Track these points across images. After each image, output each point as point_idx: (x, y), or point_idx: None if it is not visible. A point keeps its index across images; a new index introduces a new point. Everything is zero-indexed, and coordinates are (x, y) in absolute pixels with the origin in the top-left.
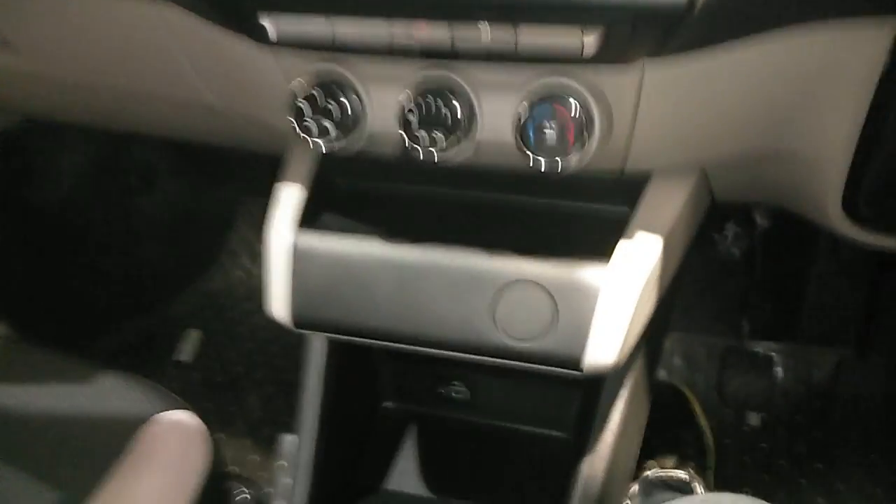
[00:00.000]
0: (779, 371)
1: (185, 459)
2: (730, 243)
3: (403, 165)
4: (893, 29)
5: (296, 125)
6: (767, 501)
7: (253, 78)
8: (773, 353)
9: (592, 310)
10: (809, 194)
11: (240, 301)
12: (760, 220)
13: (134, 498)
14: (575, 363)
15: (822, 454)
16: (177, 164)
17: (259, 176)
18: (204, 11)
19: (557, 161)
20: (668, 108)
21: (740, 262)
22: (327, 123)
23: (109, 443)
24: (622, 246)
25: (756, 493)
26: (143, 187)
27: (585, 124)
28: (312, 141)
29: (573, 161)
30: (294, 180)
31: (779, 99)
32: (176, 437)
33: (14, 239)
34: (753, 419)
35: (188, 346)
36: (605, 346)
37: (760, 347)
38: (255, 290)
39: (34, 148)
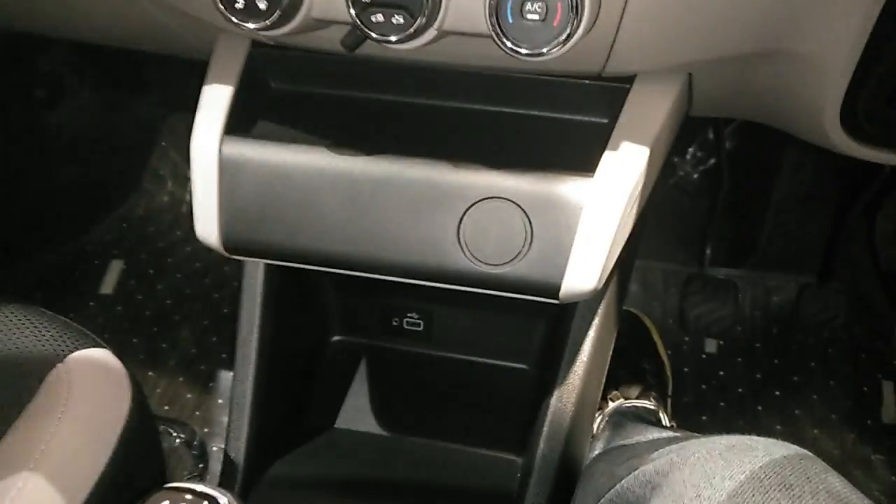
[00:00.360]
0: (739, 298)
1: (103, 403)
2: (690, 166)
3: (351, 63)
4: None
5: (223, 5)
6: (725, 429)
7: None
8: (735, 280)
9: (573, 229)
10: (804, 102)
11: (166, 229)
12: (728, 141)
13: (47, 448)
14: (552, 290)
15: (780, 381)
16: (88, 74)
17: (182, 88)
18: None
19: (542, 42)
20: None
21: (701, 188)
22: (261, 2)
23: (16, 387)
24: (607, 157)
25: (714, 420)
26: (52, 101)
27: (575, 4)
28: (242, 25)
29: (557, 49)
30: (220, 79)
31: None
32: (92, 378)
33: None
34: (711, 346)
35: (110, 278)
36: (585, 270)
37: (721, 273)
38: (182, 217)
39: None
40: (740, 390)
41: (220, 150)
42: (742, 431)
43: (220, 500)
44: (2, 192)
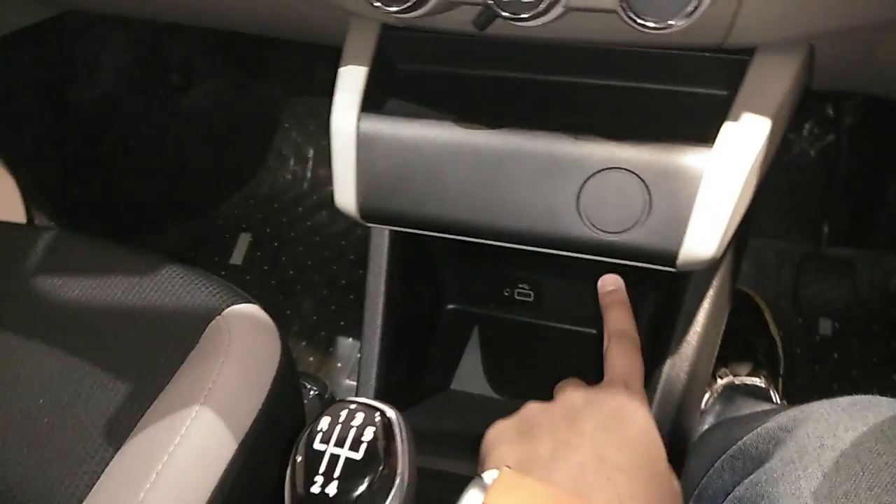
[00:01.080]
0: (856, 278)
1: (259, 351)
2: (807, 143)
3: (474, 42)
4: None
5: None
6: None
7: None
8: (852, 260)
9: (693, 198)
10: None
11: (288, 205)
12: (847, 117)
13: (211, 390)
14: (669, 258)
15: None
16: (218, 59)
17: (304, 73)
18: None
19: (668, 20)
20: None
21: (818, 165)
22: None
23: (182, 335)
24: (727, 128)
25: None
26: (184, 85)
27: None
28: (384, 8)
29: (683, 20)
30: (355, 61)
31: None
32: (249, 329)
33: (55, 137)
34: (825, 328)
35: (239, 250)
36: (704, 239)
37: (838, 254)
38: (303, 194)
39: (72, 42)
40: (855, 373)
41: (358, 128)
42: None
43: (388, 413)
44: (140, 168)
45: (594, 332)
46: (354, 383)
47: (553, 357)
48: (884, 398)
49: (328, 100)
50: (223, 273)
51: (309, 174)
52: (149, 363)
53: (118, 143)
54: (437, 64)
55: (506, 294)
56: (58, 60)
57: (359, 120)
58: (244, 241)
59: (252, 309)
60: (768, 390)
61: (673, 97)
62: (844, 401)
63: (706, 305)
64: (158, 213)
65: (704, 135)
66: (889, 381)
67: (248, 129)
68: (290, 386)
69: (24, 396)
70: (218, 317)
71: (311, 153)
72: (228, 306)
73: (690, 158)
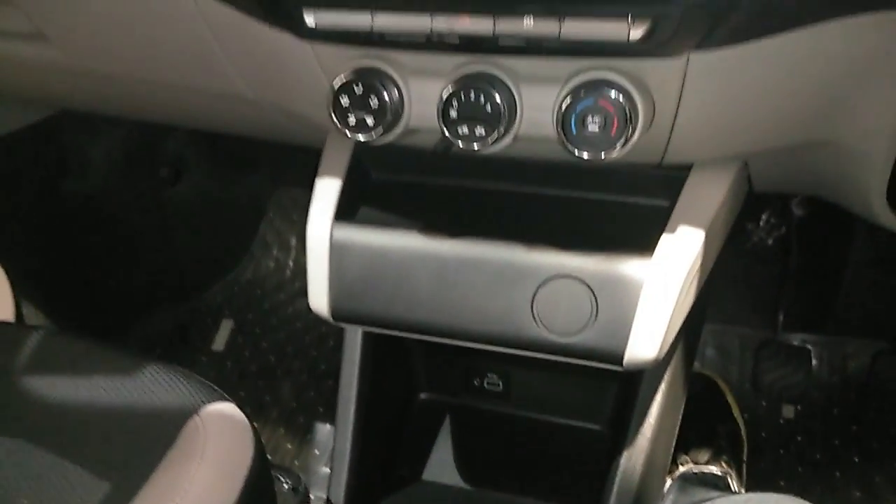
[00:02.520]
0: (814, 363)
1: (233, 451)
2: (764, 233)
3: (441, 157)
4: None
5: (336, 119)
6: (803, 495)
7: (291, 70)
8: (809, 345)
9: (634, 304)
10: (853, 185)
11: (271, 291)
12: (796, 210)
13: (185, 490)
14: (616, 358)
15: (858, 447)
16: (207, 153)
17: (289, 165)
18: (244, 6)
19: (601, 149)
20: (711, 99)
21: (775, 252)
22: (367, 117)
23: (158, 435)
24: (664, 240)
25: (791, 486)
26: (175, 177)
27: (629, 116)
28: (352, 135)
29: (616, 149)
30: (331, 173)
31: (824, 89)
32: (222, 429)
33: (49, 228)
34: (788, 411)
35: (221, 336)
36: (646, 341)
37: (796, 339)
38: (286, 281)
39: (68, 138)
40: (818, 456)
41: (331, 236)
42: (819, 498)
43: None
44: (128, 257)
45: (562, 421)
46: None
47: (523, 446)
48: (774, 496)
49: (311, 191)
50: (205, 360)
51: (291, 262)
52: (129, 461)
53: (107, 233)
54: (406, 173)
55: (475, 383)
56: (52, 155)
57: (332, 228)
58: (226, 326)
59: (227, 407)
60: (725, 478)
61: (618, 207)
62: (741, 499)
63: (659, 398)
64: (144, 300)
65: (645, 244)
66: (851, 464)
67: (233, 218)
68: (263, 483)
69: (6, 493)
70: (195, 415)
71: (293, 241)
72: (204, 405)
73: (632, 268)
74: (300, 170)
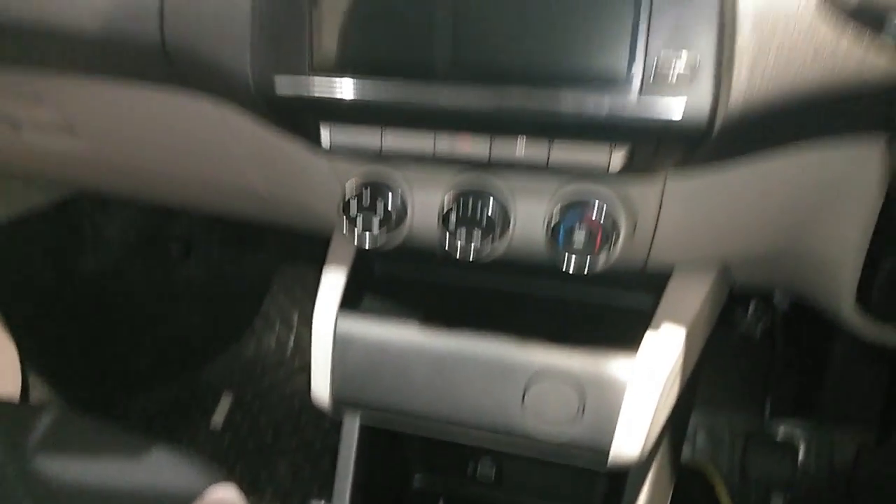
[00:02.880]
0: (801, 453)
1: None
2: (751, 323)
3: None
4: (885, 143)
5: (345, 221)
6: None
7: (304, 173)
8: (796, 435)
9: (619, 403)
10: (824, 292)
11: (271, 368)
12: (780, 303)
13: None
14: (601, 455)
15: None
16: (214, 232)
17: (294, 244)
18: (266, 117)
19: (585, 261)
20: (688, 213)
21: (762, 341)
22: (373, 220)
23: None
24: (647, 339)
25: None
26: (184, 256)
27: (612, 228)
28: (359, 236)
29: (600, 261)
30: (337, 265)
31: (793, 207)
32: None
33: (60, 304)
34: (777, 500)
35: (220, 412)
36: (631, 439)
37: (783, 427)
38: (286, 358)
39: (83, 218)
40: None
41: (335, 329)
42: None
43: None
44: (134, 332)
45: None
46: None
47: None
48: None
49: (315, 268)
50: (204, 434)
51: (293, 339)
52: None
53: (116, 308)
54: (407, 266)
55: (469, 468)
56: (67, 233)
57: (337, 320)
58: (226, 402)
59: (228, 489)
60: None
61: (605, 307)
62: None
63: (646, 488)
64: (147, 374)
65: (630, 344)
66: None
67: (238, 294)
68: None
69: None
70: (199, 499)
71: (295, 319)
72: (208, 486)
73: (617, 367)
74: (305, 248)
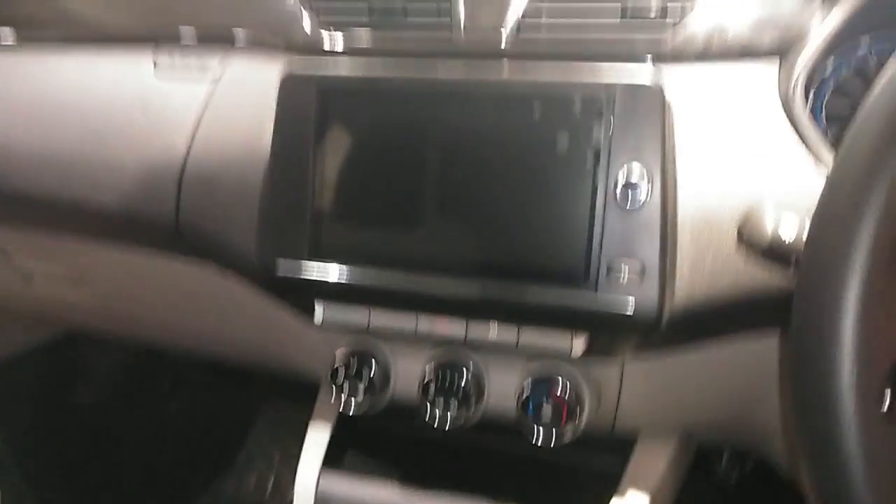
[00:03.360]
0: None
1: None
2: (725, 471)
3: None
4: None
5: (333, 389)
6: None
7: (295, 338)
8: None
9: None
10: (783, 459)
11: None
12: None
13: None
14: None
15: None
16: (203, 368)
17: (279, 382)
18: (266, 290)
19: (552, 434)
20: (647, 389)
21: (737, 488)
22: (359, 386)
23: None
24: (614, 502)
25: None
26: (173, 392)
27: (577, 403)
28: (345, 403)
29: (567, 434)
30: (322, 421)
31: (743, 384)
32: None
33: (47, 443)
34: None
35: None
36: None
37: None
38: (265, 498)
39: (77, 356)
40: None
41: (317, 488)
42: None
43: None
44: (117, 468)
45: None
46: None
47: None
48: None
49: (298, 406)
50: None
51: (273, 477)
52: None
53: (103, 444)
54: (389, 423)
55: None
56: (59, 372)
57: (319, 478)
58: None
59: None
60: None
61: (575, 470)
62: None
63: None
64: None
65: None
66: None
67: (222, 430)
68: None
69: None
70: None
71: (276, 457)
72: None
73: None
74: (290, 387)
